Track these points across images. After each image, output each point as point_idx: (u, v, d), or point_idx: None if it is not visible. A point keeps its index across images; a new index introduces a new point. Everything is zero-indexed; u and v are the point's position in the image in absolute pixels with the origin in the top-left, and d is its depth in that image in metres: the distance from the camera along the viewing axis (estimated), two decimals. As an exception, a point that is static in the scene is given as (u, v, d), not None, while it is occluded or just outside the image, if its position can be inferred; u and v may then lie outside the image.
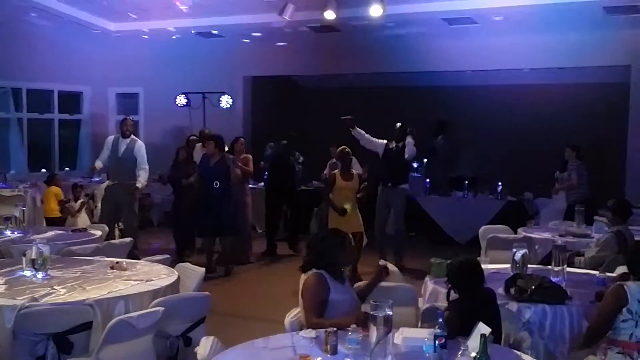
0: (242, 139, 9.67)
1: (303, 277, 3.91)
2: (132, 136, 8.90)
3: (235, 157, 8.95)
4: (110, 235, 8.23)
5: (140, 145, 8.83)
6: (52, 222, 8.87)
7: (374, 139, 8.98)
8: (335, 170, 8.29)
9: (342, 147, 8.23)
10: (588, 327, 3.92)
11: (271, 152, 10.43)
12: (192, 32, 11.99)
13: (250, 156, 9.42)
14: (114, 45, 12.60)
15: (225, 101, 12.48)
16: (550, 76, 11.55)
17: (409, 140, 8.81)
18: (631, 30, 9.94)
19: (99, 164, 9.08)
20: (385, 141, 8.98)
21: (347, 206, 7.85)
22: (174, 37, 12.25)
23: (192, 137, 10.42)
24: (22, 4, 10.89)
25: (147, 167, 8.76)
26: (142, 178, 8.68)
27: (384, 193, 9.01)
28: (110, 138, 9.07)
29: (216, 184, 8.43)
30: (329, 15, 9.55)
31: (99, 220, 9.05)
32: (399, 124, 9.02)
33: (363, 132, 8.83)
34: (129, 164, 8.70)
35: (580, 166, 9.45)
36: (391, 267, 5.25)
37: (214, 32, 11.92)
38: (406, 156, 8.81)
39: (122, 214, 8.83)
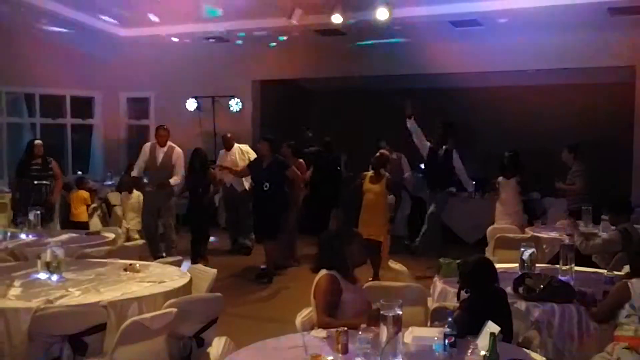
0: (286, 144, 9.29)
1: (316, 277, 3.93)
2: (170, 143, 8.85)
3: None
4: (156, 239, 8.58)
5: (178, 154, 8.80)
6: (79, 226, 8.81)
7: (423, 138, 8.88)
8: (367, 172, 8.10)
9: (381, 150, 8.19)
10: (593, 312, 4.07)
11: (314, 150, 9.93)
12: (202, 37, 12.06)
13: (302, 161, 9.15)
14: (125, 50, 12.67)
15: (235, 104, 12.56)
16: (555, 77, 11.53)
17: (456, 155, 8.91)
18: (635, 31, 9.92)
19: (134, 174, 9.08)
20: (429, 144, 8.94)
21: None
22: (184, 41, 12.33)
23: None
24: (33, 10, 10.99)
25: (181, 174, 8.78)
26: (176, 177, 8.71)
27: (431, 197, 9.02)
28: (147, 145, 9.01)
29: (265, 186, 8.17)
30: (336, 19, 9.60)
31: (143, 227, 9.15)
32: (441, 125, 9.03)
33: (416, 125, 8.73)
34: (168, 171, 8.73)
35: (584, 172, 9.36)
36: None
37: (223, 36, 11.99)
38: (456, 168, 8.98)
39: (161, 215, 8.88)
